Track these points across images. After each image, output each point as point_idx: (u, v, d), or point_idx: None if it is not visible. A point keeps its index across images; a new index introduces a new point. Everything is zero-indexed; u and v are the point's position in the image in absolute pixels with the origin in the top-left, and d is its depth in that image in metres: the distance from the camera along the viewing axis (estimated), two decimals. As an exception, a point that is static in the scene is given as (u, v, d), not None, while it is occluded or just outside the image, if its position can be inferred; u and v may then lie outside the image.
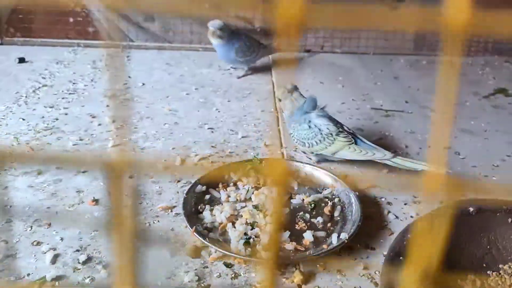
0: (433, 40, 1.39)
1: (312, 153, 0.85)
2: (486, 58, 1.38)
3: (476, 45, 1.42)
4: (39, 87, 1.08)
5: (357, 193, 0.72)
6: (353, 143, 0.82)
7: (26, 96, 1.04)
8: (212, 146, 0.88)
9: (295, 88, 0.89)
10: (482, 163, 0.86)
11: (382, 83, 1.20)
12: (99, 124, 0.93)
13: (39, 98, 1.03)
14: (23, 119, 0.94)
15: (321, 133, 0.83)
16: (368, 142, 0.83)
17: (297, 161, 0.81)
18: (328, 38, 1.43)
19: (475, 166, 0.86)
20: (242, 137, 0.92)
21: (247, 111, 1.03)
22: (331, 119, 0.86)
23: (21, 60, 1.18)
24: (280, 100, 0.90)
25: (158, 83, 1.13)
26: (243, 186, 0.74)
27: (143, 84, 1.13)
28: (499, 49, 1.41)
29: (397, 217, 0.71)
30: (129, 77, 1.15)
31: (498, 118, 1.04)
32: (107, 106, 1.01)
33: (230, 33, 1.14)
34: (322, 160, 0.86)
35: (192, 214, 0.68)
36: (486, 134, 0.98)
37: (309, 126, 0.85)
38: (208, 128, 0.95)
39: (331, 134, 0.83)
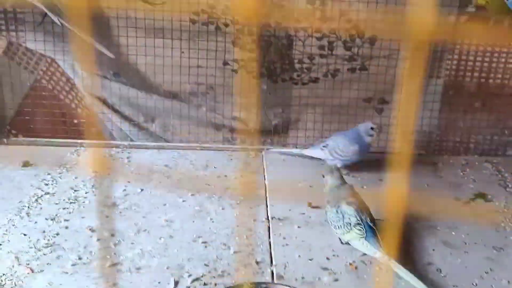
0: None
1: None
2: (467, 158, 1.45)
3: (458, 145, 1.51)
4: (42, 195, 1.13)
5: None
6: (363, 237, 0.95)
7: (28, 207, 1.08)
8: (205, 264, 0.92)
9: (337, 169, 1.10)
10: (462, 282, 0.91)
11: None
12: (98, 239, 0.98)
13: (41, 208, 1.08)
14: (25, 234, 0.98)
15: (343, 220, 0.99)
16: (375, 242, 0.95)
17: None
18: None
19: (456, 286, 0.90)
20: (234, 252, 0.97)
21: (240, 220, 1.08)
22: (358, 210, 0.99)
23: (25, 164, 1.25)
24: (323, 176, 1.12)
25: (156, 189, 1.19)
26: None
27: (142, 190, 1.19)
28: (479, 149, 1.50)
29: None
30: (128, 182, 1.21)
31: (477, 229, 1.09)
32: (107, 217, 1.06)
33: None
34: (345, 242, 1.00)
35: None
36: (466, 247, 1.03)
37: (337, 211, 1.01)
38: (202, 242, 0.99)
39: (350, 224, 0.98)
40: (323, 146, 1.35)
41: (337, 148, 1.32)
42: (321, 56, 1.43)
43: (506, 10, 1.15)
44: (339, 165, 1.25)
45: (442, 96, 1.48)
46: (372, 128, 1.31)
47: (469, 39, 1.41)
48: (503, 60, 1.44)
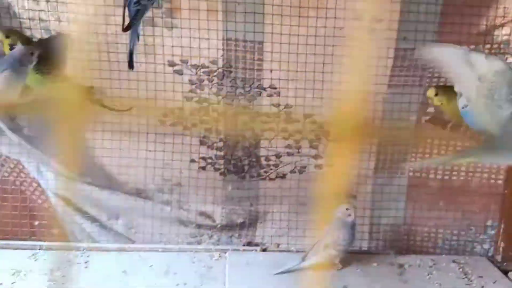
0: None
1: None
2: (434, 258, 1.44)
3: (426, 242, 1.51)
4: (-10, 309, 1.09)
5: None
6: None
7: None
8: None
9: None
10: None
11: None
12: None
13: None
14: None
15: None
16: None
17: None
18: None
19: None
20: None
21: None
22: None
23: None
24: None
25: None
26: None
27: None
28: (447, 246, 1.50)
29: None
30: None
31: None
32: None
33: None
34: None
35: None
36: None
37: None
38: None
39: None
40: None
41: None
42: (288, 154, 1.46)
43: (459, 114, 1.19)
44: None
45: (407, 193, 1.50)
46: (347, 209, 1.31)
47: (430, 140, 1.46)
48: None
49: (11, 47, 1.06)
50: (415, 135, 1.44)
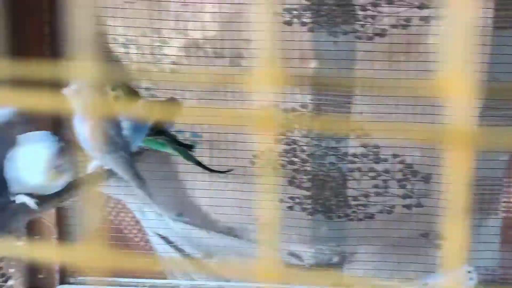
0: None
1: None
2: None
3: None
4: None
5: None
6: None
7: None
8: None
9: None
10: None
11: None
12: None
13: None
14: None
15: None
16: None
17: None
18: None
19: None
20: None
21: None
22: None
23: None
24: None
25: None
26: None
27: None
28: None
29: None
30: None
31: None
32: None
33: None
34: None
35: None
36: None
37: None
38: None
39: None
40: None
41: None
42: (376, 193, 1.46)
43: None
44: None
45: (501, 234, 1.45)
46: (469, 272, 1.26)
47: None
48: None
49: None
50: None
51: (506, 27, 1.31)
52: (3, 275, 1.27)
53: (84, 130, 0.88)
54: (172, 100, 1.21)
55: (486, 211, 1.44)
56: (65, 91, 0.85)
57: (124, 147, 0.94)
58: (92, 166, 1.02)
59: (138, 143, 1.09)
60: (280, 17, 1.33)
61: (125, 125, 1.02)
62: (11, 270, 1.30)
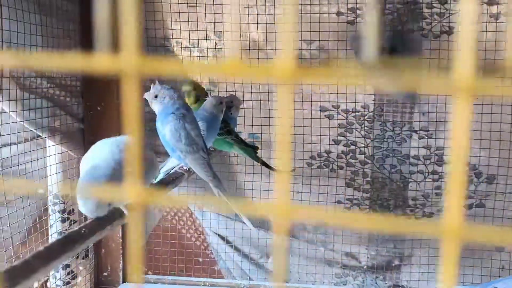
0: None
1: None
2: None
3: None
4: None
5: None
6: None
7: None
8: None
9: None
10: None
11: None
12: None
13: None
14: None
15: None
16: None
17: None
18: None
19: None
20: None
21: None
22: None
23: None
24: None
25: None
26: None
27: None
28: None
29: None
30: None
31: None
32: None
33: None
34: None
35: None
36: None
37: None
38: None
39: None
40: None
41: None
42: (437, 194, 1.42)
43: None
44: None
45: None
46: None
47: None
48: None
49: (198, 98, 1.15)
50: None
51: None
52: (71, 271, 1.31)
53: (166, 131, 0.89)
54: (233, 97, 1.21)
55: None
56: (145, 95, 0.87)
57: (203, 148, 0.94)
58: (167, 167, 1.04)
59: (209, 143, 1.09)
60: (344, 17, 1.30)
61: (201, 125, 1.02)
62: (80, 268, 1.34)
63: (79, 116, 1.31)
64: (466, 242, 0.20)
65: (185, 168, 0.97)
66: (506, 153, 1.37)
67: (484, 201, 1.41)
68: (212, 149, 1.16)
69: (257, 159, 1.17)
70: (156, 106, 0.89)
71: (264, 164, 1.20)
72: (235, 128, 1.22)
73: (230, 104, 1.17)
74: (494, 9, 1.26)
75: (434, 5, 1.27)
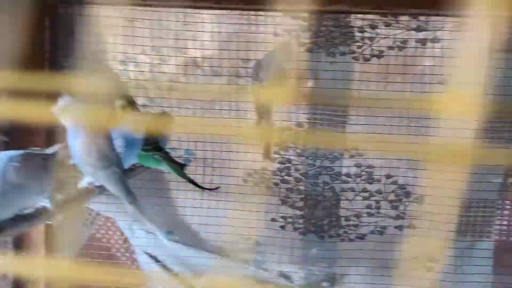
0: None
1: None
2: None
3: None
4: None
5: None
6: None
7: None
8: None
9: None
10: None
11: None
12: None
13: None
14: None
15: None
16: None
17: None
18: None
19: None
20: None
21: None
22: None
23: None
24: None
25: None
26: None
27: None
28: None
29: None
30: None
31: None
32: None
33: None
34: None
35: None
36: None
37: None
38: None
39: None
40: None
41: None
42: (368, 214, 1.45)
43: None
44: None
45: (494, 258, 1.45)
46: None
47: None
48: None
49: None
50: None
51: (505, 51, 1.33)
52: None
53: (77, 144, 0.86)
54: (164, 114, 1.20)
55: (479, 234, 1.44)
56: (53, 108, 0.83)
57: (117, 163, 0.91)
58: (83, 182, 1.00)
59: (132, 160, 1.07)
60: (280, 38, 1.33)
61: (119, 140, 1.00)
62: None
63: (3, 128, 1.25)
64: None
65: (96, 184, 0.94)
66: (433, 173, 1.42)
67: (414, 222, 1.45)
68: (138, 165, 1.14)
69: (184, 176, 1.15)
70: (65, 119, 0.85)
71: (192, 182, 1.18)
72: (167, 144, 1.20)
73: None
74: (421, 35, 1.33)
75: (366, 29, 1.33)
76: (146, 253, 1.42)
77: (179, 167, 1.14)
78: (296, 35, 1.32)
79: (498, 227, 1.43)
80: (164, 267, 1.42)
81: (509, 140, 1.35)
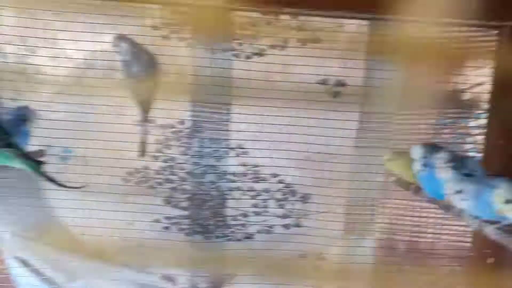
0: None
1: None
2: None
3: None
4: None
5: None
6: None
7: None
8: None
9: None
10: None
11: None
12: None
13: None
14: None
15: None
16: None
17: None
18: None
19: None
20: None
21: None
22: None
23: None
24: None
25: None
26: None
27: None
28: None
29: None
30: None
31: None
32: None
33: None
34: None
35: None
36: None
37: None
38: None
39: None
40: None
41: None
42: (255, 213, 1.44)
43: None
44: None
45: (376, 256, 1.48)
46: None
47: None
48: (431, 220, 1.48)
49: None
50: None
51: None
52: None
53: None
54: (26, 110, 1.12)
55: (363, 232, 1.47)
56: None
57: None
58: None
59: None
60: (158, 32, 1.29)
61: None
62: None
63: None
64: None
65: None
66: (319, 173, 1.44)
67: (301, 221, 1.45)
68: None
69: (41, 174, 1.07)
70: None
71: (50, 179, 1.10)
72: (27, 140, 1.12)
73: (23, 117, 1.10)
74: (303, 35, 1.34)
75: (247, 27, 1.31)
76: (16, 257, 1.32)
77: (36, 164, 1.06)
78: (176, 30, 1.28)
79: (379, 225, 1.47)
80: (36, 271, 1.33)
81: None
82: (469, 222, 0.99)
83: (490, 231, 0.92)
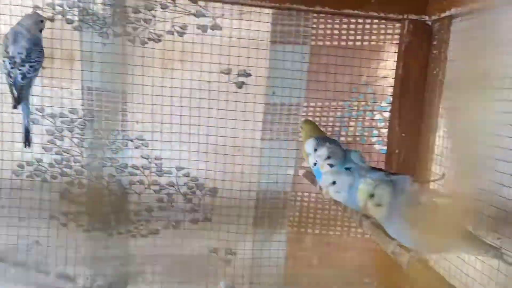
0: None
1: None
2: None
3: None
4: None
5: None
6: None
7: None
8: None
9: None
10: None
11: None
12: None
13: None
14: None
15: None
16: None
17: None
18: None
19: None
20: None
21: None
22: None
23: None
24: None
25: None
26: None
27: None
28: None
29: None
30: None
31: None
32: None
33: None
34: None
35: None
36: None
37: None
38: None
39: None
40: None
41: None
42: (160, 208, 1.37)
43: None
44: None
45: (287, 249, 1.44)
46: None
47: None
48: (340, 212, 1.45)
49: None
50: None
51: (283, 42, 1.31)
52: None
53: None
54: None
55: (274, 225, 1.43)
56: None
57: None
58: None
59: None
60: (41, 12, 1.19)
61: None
62: None
63: None
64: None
65: None
66: (229, 166, 1.38)
67: (210, 215, 1.39)
68: None
69: None
70: None
71: None
72: None
73: None
74: (201, 21, 1.27)
75: (141, 10, 1.24)
76: None
77: None
78: (61, 11, 1.19)
79: (291, 218, 1.43)
80: None
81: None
82: (352, 215, 0.96)
83: (366, 226, 0.88)
